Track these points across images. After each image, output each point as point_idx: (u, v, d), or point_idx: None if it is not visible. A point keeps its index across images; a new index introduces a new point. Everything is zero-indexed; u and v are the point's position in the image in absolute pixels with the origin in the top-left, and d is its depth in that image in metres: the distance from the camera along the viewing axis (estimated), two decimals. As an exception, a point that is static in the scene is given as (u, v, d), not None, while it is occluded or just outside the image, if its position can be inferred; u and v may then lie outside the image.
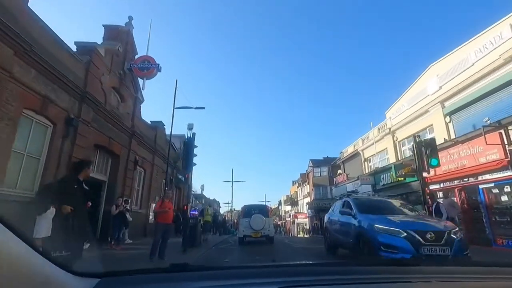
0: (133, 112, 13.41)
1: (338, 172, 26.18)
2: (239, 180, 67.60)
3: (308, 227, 39.59)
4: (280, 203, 73.77)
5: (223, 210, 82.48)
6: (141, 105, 14.27)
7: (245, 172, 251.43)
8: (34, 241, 0.81)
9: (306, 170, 46.94)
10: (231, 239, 17.61)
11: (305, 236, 37.81)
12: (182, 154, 9.47)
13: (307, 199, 46.07)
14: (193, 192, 49.95)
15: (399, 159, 18.16)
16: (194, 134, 9.34)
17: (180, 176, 22.22)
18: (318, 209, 39.01)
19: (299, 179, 54.92)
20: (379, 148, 20.32)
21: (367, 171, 22.73)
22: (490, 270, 1.34)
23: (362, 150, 23.77)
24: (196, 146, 9.80)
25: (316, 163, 42.46)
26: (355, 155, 25.17)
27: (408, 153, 17.47)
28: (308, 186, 45.96)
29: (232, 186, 40.66)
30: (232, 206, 47.29)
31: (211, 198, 79.68)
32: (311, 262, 1.85)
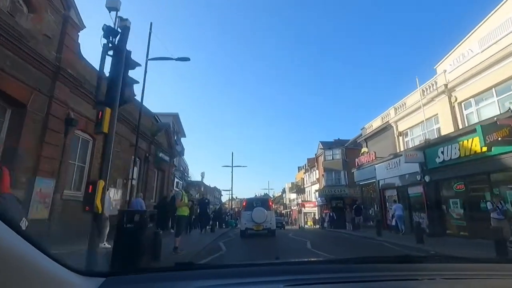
0: (62, 39, 8.22)
1: (363, 151, 21.04)
2: (240, 165, 62.66)
3: (318, 217, 34.73)
4: (284, 191, 69.23)
5: (224, 198, 78.74)
6: (78, 34, 9.04)
7: (247, 160, 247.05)
8: (39, 242, 0.79)
9: (315, 154, 41.82)
10: (226, 239, 12.61)
11: (316, 227, 33.07)
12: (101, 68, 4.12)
13: (316, 186, 41.19)
14: (189, 179, 45.41)
15: (459, 127, 13.00)
16: (127, 29, 4.19)
17: (161, 155, 17.22)
18: (330, 197, 34.16)
19: (306, 164, 49.97)
20: (427, 114, 15.04)
21: (401, 149, 17.59)
22: (495, 267, 1.33)
23: (396, 122, 18.52)
24: (139, 65, 4.64)
25: (327, 145, 37.34)
26: (384, 129, 19.95)
27: (476, 119, 12.31)
28: (317, 171, 40.99)
29: (232, 172, 35.87)
30: (231, 193, 42.58)
31: (212, 186, 75.80)
32: (316, 260, 1.73)
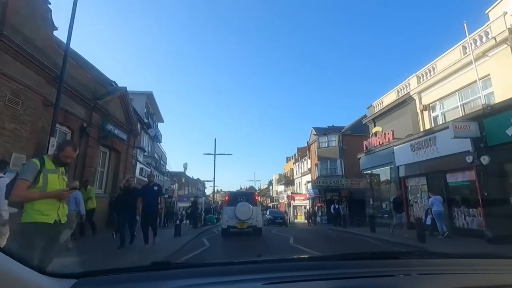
0: None
1: (375, 130, 17.13)
2: (223, 153, 58.98)
3: (311, 211, 30.93)
4: (271, 183, 65.47)
5: (208, 191, 74.56)
6: None
7: (233, 152, 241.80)
8: (3, 245, 0.67)
9: (307, 142, 37.93)
10: (195, 252, 8.14)
11: (304, 221, 29.30)
12: None
13: (307, 177, 37.45)
14: (167, 169, 40.53)
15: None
16: None
17: (112, 128, 12.58)
18: (325, 188, 30.44)
19: (296, 154, 46.17)
20: (470, 78, 11.18)
21: (426, 127, 13.80)
22: (470, 262, 1.32)
23: (419, 93, 14.66)
24: None
25: (322, 132, 33.47)
26: (401, 105, 16.10)
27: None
28: (309, 161, 37.18)
29: (214, 160, 31.41)
30: (214, 185, 38.22)
31: (195, 177, 71.36)
32: (295, 257, 1.60)
